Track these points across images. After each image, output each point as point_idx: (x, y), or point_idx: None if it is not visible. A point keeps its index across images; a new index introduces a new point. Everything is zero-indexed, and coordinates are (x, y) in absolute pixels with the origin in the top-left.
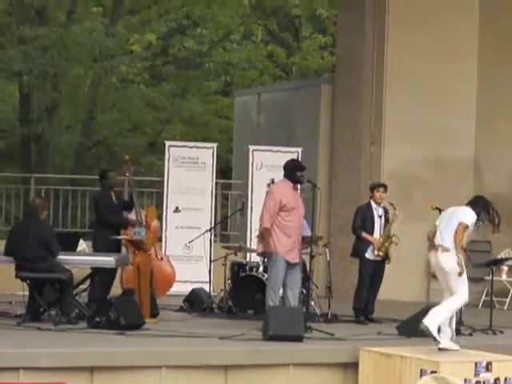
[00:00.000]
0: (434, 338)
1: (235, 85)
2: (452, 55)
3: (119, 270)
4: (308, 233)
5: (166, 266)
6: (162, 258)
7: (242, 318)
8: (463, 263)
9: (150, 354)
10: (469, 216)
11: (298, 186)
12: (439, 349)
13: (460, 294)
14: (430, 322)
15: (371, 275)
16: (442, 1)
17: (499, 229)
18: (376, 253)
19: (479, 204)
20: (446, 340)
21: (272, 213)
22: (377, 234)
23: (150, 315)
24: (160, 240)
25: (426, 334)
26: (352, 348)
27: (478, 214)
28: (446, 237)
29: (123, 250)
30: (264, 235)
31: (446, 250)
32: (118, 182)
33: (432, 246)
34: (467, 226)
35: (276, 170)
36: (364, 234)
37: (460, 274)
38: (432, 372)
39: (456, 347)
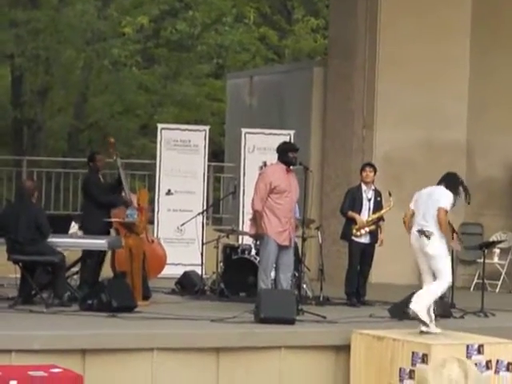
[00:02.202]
0: (423, 322)
1: (227, 67)
2: (445, 39)
3: (109, 253)
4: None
5: (157, 249)
6: (152, 241)
7: (234, 300)
8: (455, 243)
9: (142, 337)
10: (445, 198)
11: (292, 168)
12: (421, 331)
13: (444, 277)
14: (417, 305)
15: (360, 258)
16: None
17: (469, 203)
18: (354, 232)
19: (450, 184)
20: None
21: (262, 195)
22: (364, 216)
23: (142, 298)
24: (151, 222)
25: (414, 318)
26: (344, 330)
27: (453, 193)
28: (427, 221)
29: (112, 232)
30: (255, 217)
31: (430, 234)
32: (106, 164)
33: (409, 229)
34: (447, 210)
35: (268, 152)
36: (350, 213)
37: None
38: (423, 355)
39: (437, 330)
